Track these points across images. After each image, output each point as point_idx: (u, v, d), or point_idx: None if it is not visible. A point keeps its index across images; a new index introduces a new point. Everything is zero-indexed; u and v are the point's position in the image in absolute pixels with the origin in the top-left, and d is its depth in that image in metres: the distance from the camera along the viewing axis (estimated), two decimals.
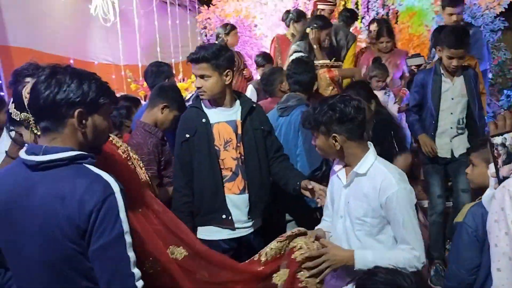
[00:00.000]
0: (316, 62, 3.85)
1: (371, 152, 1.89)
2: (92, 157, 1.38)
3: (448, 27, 3.31)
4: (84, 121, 1.36)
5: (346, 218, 1.93)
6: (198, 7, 7.38)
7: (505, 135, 1.27)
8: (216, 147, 2.35)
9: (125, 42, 5.65)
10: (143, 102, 3.82)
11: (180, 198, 2.39)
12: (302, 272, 1.83)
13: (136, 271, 1.31)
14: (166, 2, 7.00)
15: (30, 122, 2.02)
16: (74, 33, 5.30)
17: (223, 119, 2.37)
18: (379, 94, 4.06)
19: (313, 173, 2.74)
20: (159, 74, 3.28)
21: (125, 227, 1.30)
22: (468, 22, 4.19)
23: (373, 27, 4.80)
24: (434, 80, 3.25)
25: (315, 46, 4.03)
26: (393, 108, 4.16)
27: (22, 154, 1.35)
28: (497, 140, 1.28)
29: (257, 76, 4.93)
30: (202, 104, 2.39)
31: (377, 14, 6.08)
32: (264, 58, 4.66)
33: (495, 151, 1.27)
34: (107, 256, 1.27)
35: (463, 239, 1.79)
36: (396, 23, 6.12)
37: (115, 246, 1.28)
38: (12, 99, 2.25)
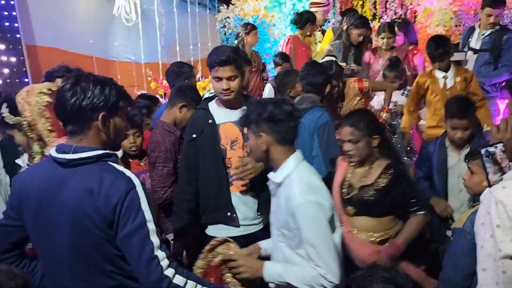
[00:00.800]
0: (344, 65, 3.91)
1: (292, 161, 1.81)
2: (116, 156, 1.54)
3: (452, 98, 2.92)
4: (107, 123, 1.51)
5: (273, 229, 1.94)
6: (218, 6, 7.49)
7: (496, 145, 1.36)
8: (222, 147, 2.43)
9: (146, 41, 5.80)
10: (162, 101, 3.96)
11: (180, 194, 2.50)
12: (227, 274, 1.92)
13: (159, 253, 1.43)
14: (186, 1, 7.14)
15: (23, 126, 2.19)
16: (97, 33, 5.48)
17: (230, 119, 2.44)
18: (396, 94, 4.05)
19: (330, 174, 2.75)
20: (179, 75, 3.36)
21: (148, 216, 1.44)
22: (504, 25, 4.06)
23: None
24: (439, 153, 2.86)
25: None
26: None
27: (53, 152, 1.51)
28: (489, 149, 1.37)
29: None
30: (209, 106, 2.48)
31: (395, 13, 6.08)
32: (282, 58, 4.65)
33: (488, 159, 1.36)
34: (132, 242, 1.42)
35: (461, 245, 1.77)
36: (414, 22, 6.11)
37: (138, 233, 1.42)
38: (6, 103, 2.45)
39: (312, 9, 5.31)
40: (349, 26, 4.10)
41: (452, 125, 2.71)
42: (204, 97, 3.05)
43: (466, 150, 2.65)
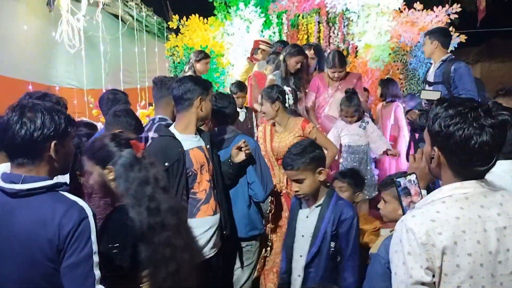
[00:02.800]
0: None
1: None
2: (67, 184, 1.54)
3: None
4: (58, 151, 1.48)
5: None
6: (167, 35, 7.53)
7: (407, 177, 1.45)
8: (194, 171, 2.48)
9: (91, 67, 5.68)
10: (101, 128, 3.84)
11: None
12: None
13: (99, 287, 1.45)
14: (133, 29, 7.12)
15: None
16: (37, 58, 5.31)
17: (194, 145, 2.53)
18: (353, 127, 4.03)
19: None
20: (115, 102, 3.28)
21: (95, 247, 1.44)
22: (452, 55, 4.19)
23: (310, 53, 4.71)
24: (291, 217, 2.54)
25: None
26: (375, 138, 4.02)
27: None
28: (400, 180, 1.45)
29: None
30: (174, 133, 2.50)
31: (338, 48, 6.36)
32: (237, 86, 4.57)
33: (401, 189, 1.44)
34: (75, 273, 1.41)
35: (376, 270, 1.86)
36: (355, 57, 6.43)
37: (83, 264, 1.42)
38: None
39: (261, 46, 5.44)
40: (285, 56, 4.14)
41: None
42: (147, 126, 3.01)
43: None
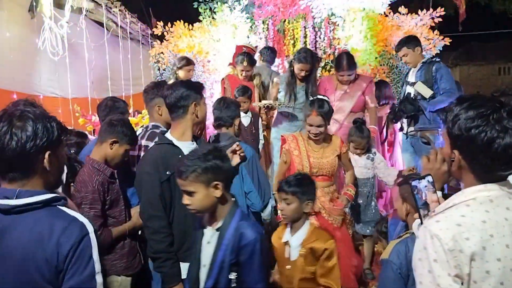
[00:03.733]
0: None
1: None
2: (65, 199, 1.41)
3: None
4: (52, 162, 1.37)
5: None
6: (151, 42, 7.43)
7: (422, 180, 1.41)
8: None
9: (75, 75, 5.54)
10: (91, 137, 3.75)
11: (164, 238, 2.27)
12: None
13: None
14: (118, 36, 7.00)
15: None
16: (20, 66, 5.16)
17: None
18: (361, 159, 3.71)
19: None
20: (113, 109, 3.19)
21: (97, 267, 1.33)
22: (431, 58, 4.28)
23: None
24: None
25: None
26: (385, 172, 3.70)
27: None
28: (416, 183, 1.41)
29: None
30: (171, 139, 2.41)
31: (324, 53, 6.38)
32: (241, 91, 4.40)
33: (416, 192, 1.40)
34: None
35: (388, 275, 1.85)
36: None
37: (86, 286, 1.30)
38: None
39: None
40: (293, 60, 4.02)
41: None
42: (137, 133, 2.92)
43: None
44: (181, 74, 4.82)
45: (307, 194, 2.43)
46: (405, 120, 4.12)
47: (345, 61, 4.15)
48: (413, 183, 1.44)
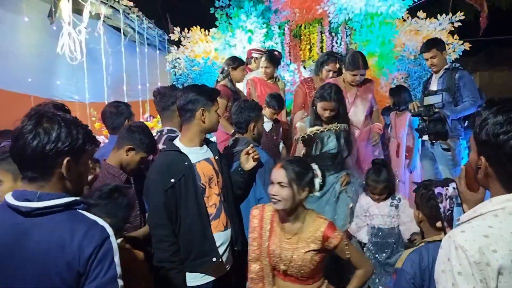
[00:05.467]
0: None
1: None
2: (85, 203, 1.42)
3: None
4: (71, 170, 1.37)
5: None
6: (168, 47, 7.48)
7: (448, 187, 1.35)
8: (202, 186, 2.36)
9: (92, 80, 5.60)
10: (105, 141, 3.75)
11: (168, 247, 2.26)
12: None
13: None
14: (135, 41, 7.07)
15: None
16: (38, 71, 5.23)
17: (201, 157, 2.41)
18: (383, 205, 3.15)
19: None
20: (119, 115, 3.18)
21: (118, 270, 1.33)
22: (453, 64, 4.24)
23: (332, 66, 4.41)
24: None
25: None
26: (406, 219, 3.07)
27: (10, 199, 1.33)
28: (441, 192, 1.35)
29: None
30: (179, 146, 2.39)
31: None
32: (274, 100, 4.26)
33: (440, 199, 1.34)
34: None
35: (401, 285, 1.83)
36: None
37: None
38: None
39: (254, 55, 5.39)
40: (315, 97, 3.38)
41: None
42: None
43: None
44: (238, 74, 4.64)
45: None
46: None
47: (360, 59, 3.96)
48: (437, 190, 1.38)
